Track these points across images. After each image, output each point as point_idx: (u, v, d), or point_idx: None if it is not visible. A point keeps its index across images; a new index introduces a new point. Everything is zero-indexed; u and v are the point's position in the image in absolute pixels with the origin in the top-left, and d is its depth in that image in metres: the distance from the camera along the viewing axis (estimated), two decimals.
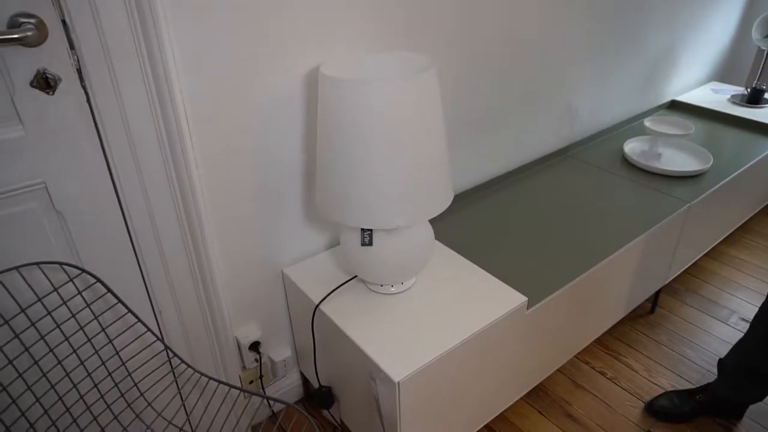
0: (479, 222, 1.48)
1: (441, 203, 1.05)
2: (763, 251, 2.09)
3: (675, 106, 2.29)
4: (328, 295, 1.18)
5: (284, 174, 1.17)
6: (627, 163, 1.82)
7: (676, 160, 1.80)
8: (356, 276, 1.23)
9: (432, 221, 1.48)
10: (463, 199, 1.60)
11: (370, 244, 1.08)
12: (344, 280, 1.22)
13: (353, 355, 1.09)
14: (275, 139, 1.12)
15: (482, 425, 1.33)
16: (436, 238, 1.39)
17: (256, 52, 1.01)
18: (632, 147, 1.89)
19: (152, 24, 0.88)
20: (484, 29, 1.38)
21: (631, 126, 2.12)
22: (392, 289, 1.18)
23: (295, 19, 1.03)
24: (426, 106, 0.96)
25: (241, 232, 1.16)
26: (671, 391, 1.45)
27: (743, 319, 1.76)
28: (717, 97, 2.32)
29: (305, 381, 1.48)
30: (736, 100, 2.26)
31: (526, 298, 1.16)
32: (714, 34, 2.34)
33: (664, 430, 1.40)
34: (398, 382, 0.97)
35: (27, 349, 0.83)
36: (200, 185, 1.05)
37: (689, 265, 1.92)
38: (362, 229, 1.08)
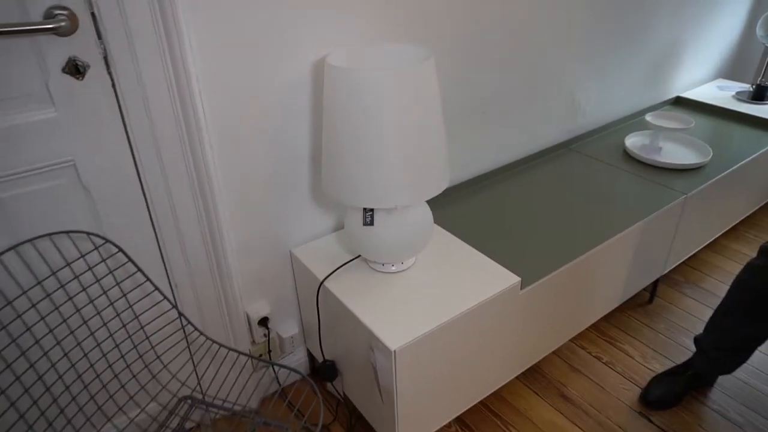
0: (481, 209, 1.54)
1: (437, 185, 1.11)
2: None
3: (680, 102, 2.32)
4: (333, 272, 1.25)
5: (293, 157, 1.25)
6: (628, 156, 1.86)
7: (676, 154, 1.84)
8: (359, 256, 1.31)
9: (435, 207, 1.55)
10: (466, 188, 1.66)
11: (372, 223, 1.16)
12: (348, 260, 1.30)
13: (354, 327, 1.16)
14: (285, 123, 1.20)
15: (478, 401, 1.39)
16: (439, 224, 1.46)
17: (268, 42, 1.09)
18: (633, 141, 1.94)
19: (171, 15, 0.96)
20: (488, 23, 1.44)
21: (636, 121, 2.16)
22: (393, 268, 1.26)
23: (305, 11, 1.11)
24: (424, 95, 1.03)
25: (252, 212, 1.24)
26: (659, 376, 1.50)
27: None
28: (722, 93, 2.34)
29: (311, 358, 1.55)
30: (741, 96, 2.28)
31: (519, 279, 1.23)
32: (720, 31, 2.37)
33: (654, 410, 1.45)
34: (394, 351, 1.04)
35: (57, 308, 0.91)
36: (214, 166, 1.13)
37: (688, 257, 1.96)
38: (364, 209, 1.15)
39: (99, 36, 0.95)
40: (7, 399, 0.87)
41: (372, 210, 1.15)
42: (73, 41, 0.93)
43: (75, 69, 0.94)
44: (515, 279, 1.22)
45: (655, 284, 1.82)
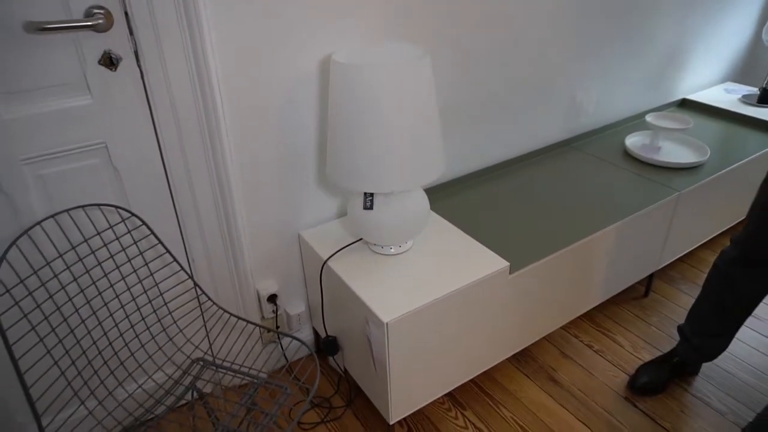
0: (480, 201, 1.63)
1: (432, 173, 1.21)
2: None
3: (685, 104, 2.37)
4: (335, 253, 1.36)
5: (301, 146, 1.36)
6: (628, 155, 1.93)
7: (674, 154, 1.90)
8: (361, 239, 1.41)
9: (436, 198, 1.64)
10: (468, 181, 1.75)
11: (371, 207, 1.26)
12: (350, 242, 1.40)
13: (353, 303, 1.26)
14: (294, 114, 1.31)
15: (469, 379, 1.48)
16: (439, 213, 1.55)
17: (280, 40, 1.20)
18: (634, 141, 2.00)
19: (194, 16, 1.08)
20: (488, 24, 1.53)
21: (639, 121, 2.22)
22: (391, 250, 1.36)
23: (314, 12, 1.21)
24: (420, 89, 1.13)
25: (263, 196, 1.36)
26: (646, 364, 1.56)
27: None
28: (729, 96, 2.38)
29: (317, 337, 1.66)
30: (747, 100, 2.32)
31: (508, 264, 1.31)
32: (729, 35, 2.41)
33: (640, 396, 1.52)
34: (387, 323, 1.14)
35: (88, 272, 1.04)
36: (230, 151, 1.25)
37: (685, 254, 2.01)
38: (364, 194, 1.25)
39: (131, 32, 1.07)
40: (44, 346, 0.99)
41: (372, 195, 1.25)
42: (108, 36, 1.05)
43: (109, 61, 1.07)
44: (504, 264, 1.31)
45: (650, 279, 1.88)
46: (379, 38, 1.35)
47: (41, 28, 0.95)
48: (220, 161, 1.24)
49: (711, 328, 1.43)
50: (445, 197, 1.66)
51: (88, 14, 1.02)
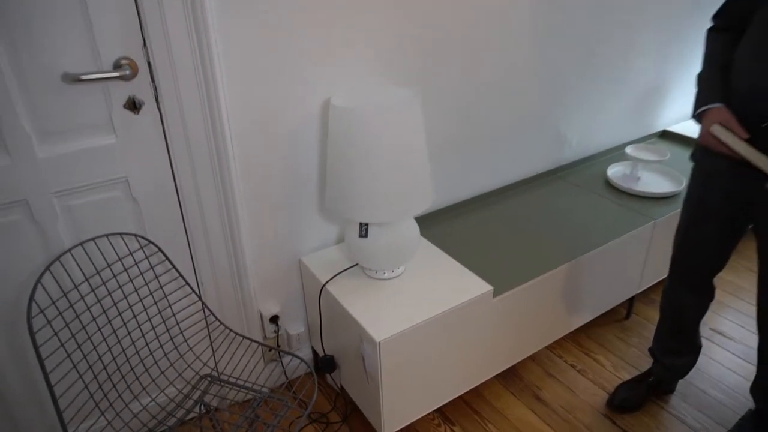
0: (468, 228, 1.75)
1: (421, 204, 1.33)
2: (742, 270, 2.26)
3: (666, 135, 2.51)
4: (333, 277, 1.47)
5: (303, 179, 1.49)
6: (609, 185, 2.05)
7: (652, 184, 2.03)
8: (357, 264, 1.53)
9: (427, 225, 1.76)
10: (457, 209, 1.87)
11: (366, 236, 1.38)
12: (347, 267, 1.52)
13: (348, 323, 1.37)
14: (297, 150, 1.44)
15: (457, 396, 1.58)
16: (429, 240, 1.67)
17: (286, 85, 1.34)
18: (615, 171, 2.13)
19: (209, 64, 1.21)
20: (478, 65, 1.68)
21: (621, 152, 2.35)
22: (385, 275, 1.47)
23: (316, 60, 1.35)
24: (409, 129, 1.26)
25: (268, 224, 1.48)
26: (625, 383, 1.66)
27: (713, 330, 1.95)
28: None
29: (315, 355, 1.77)
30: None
31: (491, 287, 1.43)
32: None
33: (619, 414, 1.62)
34: (379, 342, 1.25)
35: (110, 294, 1.15)
36: (238, 184, 1.37)
37: (663, 278, 2.11)
38: (360, 224, 1.37)
39: (152, 79, 1.20)
40: (71, 361, 1.10)
41: (366, 224, 1.37)
42: (133, 83, 1.18)
43: (133, 105, 1.20)
44: (488, 288, 1.42)
45: (631, 301, 1.99)
46: (376, 80, 1.49)
47: (77, 79, 1.08)
48: (228, 192, 1.36)
49: (674, 348, 1.54)
50: (436, 224, 1.78)
51: (117, 65, 1.15)
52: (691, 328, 1.51)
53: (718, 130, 1.15)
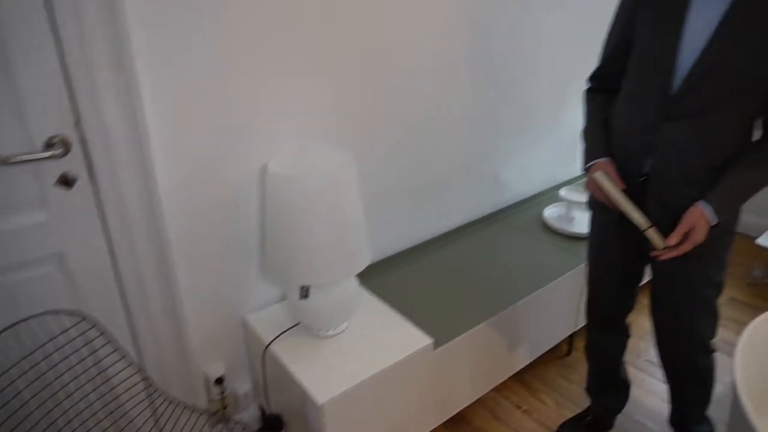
0: (409, 277, 1.81)
1: (359, 264, 1.38)
2: None
3: None
4: (276, 337, 1.49)
5: (244, 239, 1.51)
6: (545, 226, 2.16)
7: (584, 224, 2.15)
8: (299, 323, 1.55)
9: (368, 276, 1.80)
10: (399, 258, 1.92)
11: (307, 296, 1.41)
12: (290, 326, 1.54)
13: (292, 384, 1.39)
14: (237, 213, 1.46)
15: None
16: (371, 291, 1.71)
17: (223, 151, 1.37)
18: (551, 212, 2.24)
19: (144, 141, 1.24)
20: (415, 118, 1.76)
21: (557, 193, 2.48)
22: (328, 332, 1.50)
23: (252, 126, 1.40)
24: (344, 193, 1.31)
25: (210, 287, 1.48)
26: (565, 423, 1.73)
27: (648, 361, 2.05)
28: None
29: (263, 413, 1.76)
30: None
31: (432, 340, 1.48)
32: None
33: None
34: (322, 404, 1.27)
35: (42, 375, 1.13)
36: (176, 252, 1.38)
37: None
38: (300, 286, 1.40)
39: (86, 155, 1.21)
40: None
41: (307, 286, 1.40)
42: (66, 160, 1.19)
43: (66, 181, 1.21)
44: (429, 340, 1.47)
45: (571, 338, 2.08)
46: (313, 140, 1.54)
47: (7, 162, 1.09)
48: (166, 259, 1.37)
49: (604, 387, 1.63)
50: (378, 275, 1.82)
51: (49, 144, 1.16)
52: (614, 367, 1.59)
53: (599, 177, 1.25)
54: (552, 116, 2.29)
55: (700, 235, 1.14)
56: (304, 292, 1.40)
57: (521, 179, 2.31)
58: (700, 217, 1.14)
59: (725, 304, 2.38)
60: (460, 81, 1.85)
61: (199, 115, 1.30)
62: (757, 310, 2.34)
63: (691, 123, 1.14)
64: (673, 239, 1.15)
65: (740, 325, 2.26)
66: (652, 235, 1.20)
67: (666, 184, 1.20)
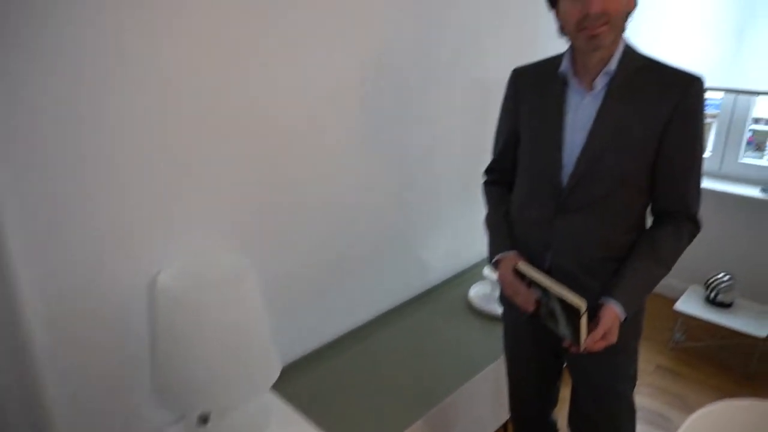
0: (328, 377, 1.67)
1: (264, 384, 1.24)
2: None
3: None
4: None
5: (134, 361, 1.33)
6: (471, 307, 2.10)
7: None
8: None
9: (284, 380, 1.64)
10: (317, 355, 1.78)
11: (206, 423, 1.24)
12: None
13: None
14: (126, 333, 1.29)
15: None
16: (284, 400, 1.55)
17: (103, 259, 1.22)
18: (476, 291, 2.19)
19: (11, 268, 1.07)
20: (329, 210, 1.68)
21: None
22: None
23: (141, 234, 1.26)
24: (244, 305, 1.19)
25: (98, 415, 1.28)
26: None
27: None
28: None
29: None
30: None
31: None
32: None
33: None
34: None
35: None
36: (51, 384, 1.19)
37: None
38: (198, 413, 1.24)
39: None
40: None
41: (207, 412, 1.24)
42: None
43: None
44: None
45: (505, 426, 1.99)
46: (211, 242, 1.41)
47: None
48: (41, 410, 1.17)
49: None
50: (295, 377, 1.66)
51: None
52: None
53: (523, 268, 1.19)
54: (461, 197, 2.27)
55: (615, 336, 1.12)
56: (203, 419, 1.24)
57: (446, 257, 2.28)
58: (616, 319, 1.11)
59: (652, 373, 2.40)
60: (363, 165, 1.81)
61: (71, 225, 1.16)
62: (683, 378, 2.37)
63: (584, 216, 1.16)
64: (592, 344, 1.11)
65: (668, 395, 2.27)
66: (584, 324, 1.12)
67: (567, 276, 1.18)
